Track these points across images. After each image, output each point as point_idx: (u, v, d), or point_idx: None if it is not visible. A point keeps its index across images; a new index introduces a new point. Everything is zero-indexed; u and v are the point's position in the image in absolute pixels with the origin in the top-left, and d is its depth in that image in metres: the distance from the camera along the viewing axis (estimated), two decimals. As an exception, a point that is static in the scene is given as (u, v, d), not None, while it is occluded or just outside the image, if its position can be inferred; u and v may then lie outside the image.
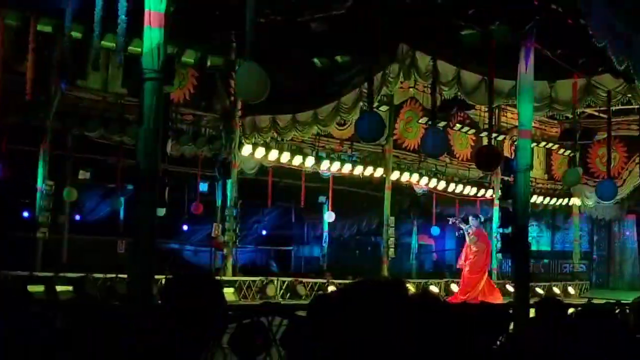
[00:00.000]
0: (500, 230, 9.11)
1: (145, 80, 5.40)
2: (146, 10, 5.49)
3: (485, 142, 12.57)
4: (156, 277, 9.29)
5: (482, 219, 16.49)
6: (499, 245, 12.05)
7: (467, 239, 15.36)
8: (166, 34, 5.62)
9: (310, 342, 1.25)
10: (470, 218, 15.69)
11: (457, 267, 16.02)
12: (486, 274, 15.42)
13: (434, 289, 16.88)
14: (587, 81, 10.27)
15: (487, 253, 15.45)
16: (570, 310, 5.27)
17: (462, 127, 17.90)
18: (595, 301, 11.89)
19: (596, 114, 17.14)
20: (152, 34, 5.39)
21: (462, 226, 15.71)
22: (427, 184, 18.01)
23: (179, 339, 2.76)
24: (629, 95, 10.63)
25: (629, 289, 20.68)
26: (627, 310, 9.38)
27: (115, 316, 3.62)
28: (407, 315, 1.19)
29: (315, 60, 12.36)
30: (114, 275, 11.77)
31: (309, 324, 1.24)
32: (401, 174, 17.17)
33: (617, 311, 10.06)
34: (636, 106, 12.66)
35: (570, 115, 12.34)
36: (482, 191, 19.22)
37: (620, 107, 15.18)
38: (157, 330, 2.83)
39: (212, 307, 2.83)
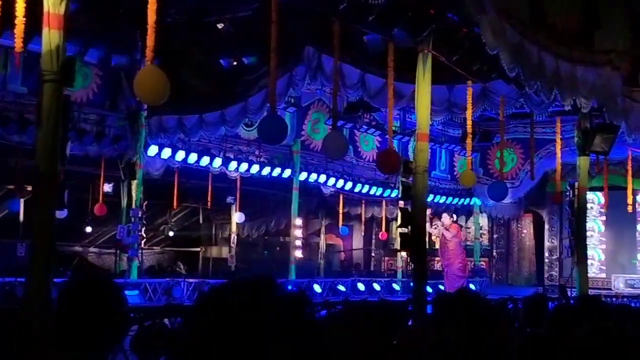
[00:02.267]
0: (400, 229, 9.40)
1: (44, 82, 5.34)
2: (45, 11, 5.42)
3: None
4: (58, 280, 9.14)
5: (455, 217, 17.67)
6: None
7: (446, 235, 16.05)
8: (66, 35, 5.56)
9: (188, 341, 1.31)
10: (444, 215, 16.64)
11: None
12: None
13: (341, 287, 17.19)
14: (482, 87, 10.76)
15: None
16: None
17: (368, 129, 18.26)
18: (490, 297, 12.45)
19: (495, 116, 17.86)
20: (51, 36, 5.34)
21: (437, 223, 16.54)
22: (334, 185, 18.28)
23: (77, 344, 2.79)
24: (521, 100, 11.19)
25: (526, 284, 21.65)
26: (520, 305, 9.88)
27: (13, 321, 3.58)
28: (278, 313, 1.26)
29: (222, 61, 12.36)
30: (12, 279, 11.44)
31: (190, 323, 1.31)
32: (309, 175, 17.37)
33: (510, 306, 10.59)
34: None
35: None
36: (388, 191, 19.66)
37: (516, 110, 15.93)
38: (54, 335, 2.84)
39: (111, 310, 2.88)
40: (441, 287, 16.75)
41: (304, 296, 1.27)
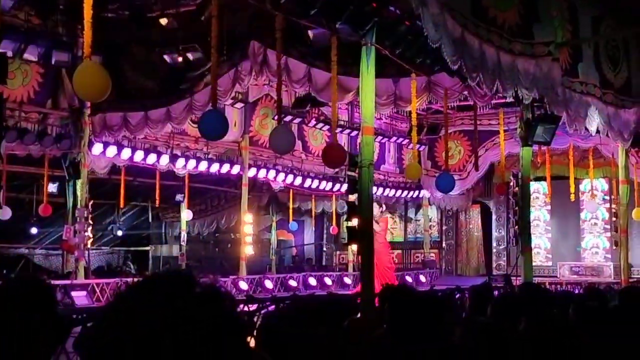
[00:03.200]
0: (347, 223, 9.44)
1: (-24, 79, 5.20)
2: (-25, 5, 5.27)
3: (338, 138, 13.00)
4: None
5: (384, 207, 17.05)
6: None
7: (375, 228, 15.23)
8: (1, 30, 5.41)
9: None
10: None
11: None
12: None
13: (292, 283, 17.20)
14: (427, 79, 10.87)
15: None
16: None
17: (316, 124, 18.27)
18: (439, 287, 12.62)
19: (442, 109, 18.07)
20: (-19, 31, 5.19)
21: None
22: (284, 180, 18.24)
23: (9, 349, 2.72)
24: (465, 92, 11.34)
25: (475, 274, 21.99)
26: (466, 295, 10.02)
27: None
28: (196, 309, 1.23)
29: (166, 56, 12.21)
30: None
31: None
32: (258, 171, 17.31)
33: (457, 296, 10.74)
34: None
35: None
36: (338, 186, 19.72)
37: (461, 103, 16.14)
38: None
39: (43, 314, 2.81)
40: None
41: (218, 290, 1.25)
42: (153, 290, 1.25)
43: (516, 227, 11.01)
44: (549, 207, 21.85)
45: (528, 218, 10.93)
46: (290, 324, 4.16)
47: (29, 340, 2.84)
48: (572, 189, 19.09)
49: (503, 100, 12.19)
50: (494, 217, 22.80)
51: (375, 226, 14.35)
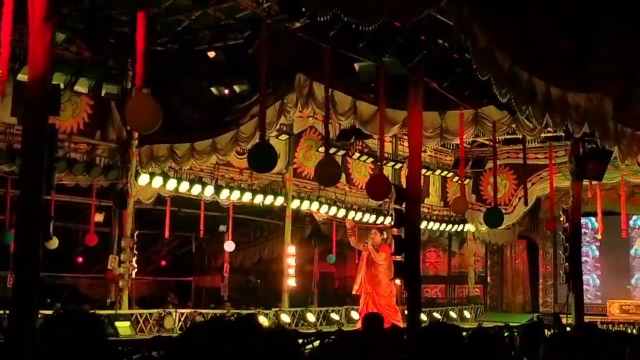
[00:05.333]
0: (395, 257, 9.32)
1: (30, 111, 5.27)
2: (31, 40, 5.37)
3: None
4: (46, 312, 9.00)
5: (385, 235, 14.70)
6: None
7: (375, 258, 13.52)
8: (52, 63, 5.51)
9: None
10: (373, 231, 14.13)
11: (354, 293, 14.10)
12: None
13: (334, 316, 17.02)
14: (474, 112, 10.75)
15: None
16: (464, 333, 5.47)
17: (360, 156, 18.24)
18: (486, 324, 12.34)
19: (487, 142, 17.86)
20: (37, 64, 5.28)
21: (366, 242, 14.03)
22: (327, 212, 18.17)
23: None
24: (513, 125, 11.18)
25: (521, 311, 21.50)
26: (515, 334, 9.77)
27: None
28: (259, 350, 1.20)
29: (213, 89, 12.34)
30: (2, 312, 11.25)
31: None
32: (301, 203, 17.27)
33: (505, 334, 10.48)
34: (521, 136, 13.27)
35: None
36: (381, 218, 19.57)
37: (508, 136, 15.93)
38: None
39: (92, 345, 2.78)
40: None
41: (284, 332, 1.21)
42: (221, 331, 1.22)
43: (566, 263, 10.71)
44: (597, 243, 21.33)
45: (579, 255, 10.66)
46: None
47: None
48: (624, 225, 18.61)
49: (551, 134, 11.98)
50: (540, 252, 22.34)
51: (377, 257, 13.23)
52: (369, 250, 13.61)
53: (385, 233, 14.65)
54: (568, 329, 8.68)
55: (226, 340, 1.17)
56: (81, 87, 12.13)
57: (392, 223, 9.44)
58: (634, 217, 20.28)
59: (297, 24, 9.39)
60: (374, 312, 6.60)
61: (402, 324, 11.51)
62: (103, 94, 12.43)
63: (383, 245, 13.59)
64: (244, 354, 1.16)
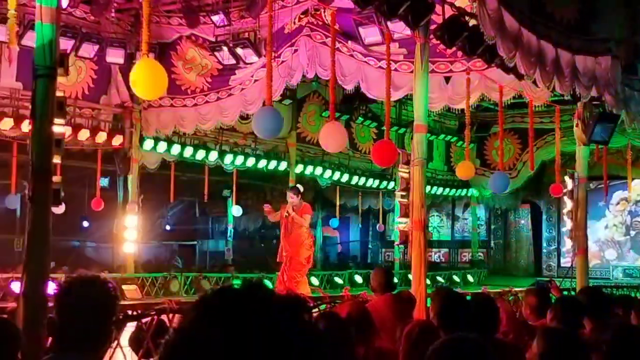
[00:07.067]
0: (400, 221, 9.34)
1: (38, 77, 5.25)
2: (37, 5, 5.32)
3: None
4: (55, 275, 9.08)
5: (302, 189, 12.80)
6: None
7: (296, 219, 11.88)
8: (59, 29, 5.46)
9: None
10: (289, 194, 12.21)
11: (278, 260, 12.43)
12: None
13: (338, 280, 17.15)
14: (480, 76, 10.69)
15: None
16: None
17: (364, 121, 18.20)
18: (490, 288, 12.42)
19: (492, 107, 17.77)
20: (44, 30, 5.23)
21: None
22: (330, 177, 18.20)
23: (75, 345, 2.74)
24: (520, 90, 11.11)
25: (524, 275, 21.64)
26: (520, 297, 9.84)
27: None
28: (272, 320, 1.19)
29: (216, 53, 12.25)
30: (10, 276, 11.35)
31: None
32: (305, 167, 17.30)
33: (510, 298, 10.54)
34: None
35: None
36: (385, 183, 19.61)
37: (514, 100, 15.83)
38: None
39: (107, 312, 2.83)
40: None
41: (301, 302, 1.20)
42: (235, 303, 1.20)
43: (572, 229, 10.75)
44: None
45: (585, 219, 10.68)
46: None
47: (94, 336, 2.86)
48: (630, 190, 18.61)
49: (558, 98, 11.90)
50: (544, 217, 22.40)
51: (297, 218, 11.75)
52: (288, 215, 11.95)
53: (301, 187, 13.00)
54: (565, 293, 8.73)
55: (242, 316, 1.15)
56: (85, 52, 12.05)
57: (397, 188, 9.42)
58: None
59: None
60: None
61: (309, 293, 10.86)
62: (107, 59, 12.37)
63: (303, 205, 12.07)
64: (262, 330, 1.14)
